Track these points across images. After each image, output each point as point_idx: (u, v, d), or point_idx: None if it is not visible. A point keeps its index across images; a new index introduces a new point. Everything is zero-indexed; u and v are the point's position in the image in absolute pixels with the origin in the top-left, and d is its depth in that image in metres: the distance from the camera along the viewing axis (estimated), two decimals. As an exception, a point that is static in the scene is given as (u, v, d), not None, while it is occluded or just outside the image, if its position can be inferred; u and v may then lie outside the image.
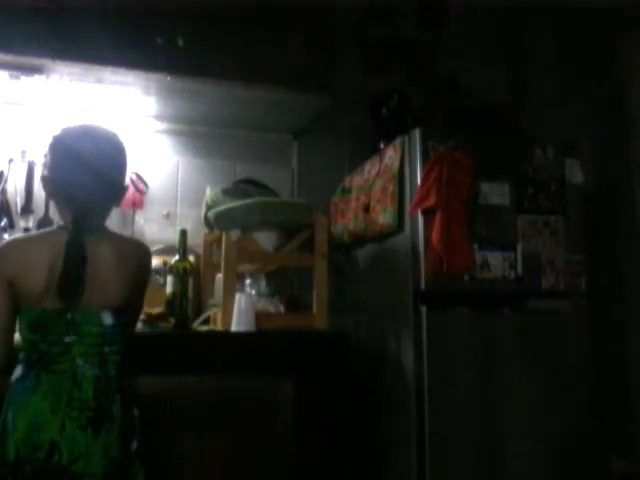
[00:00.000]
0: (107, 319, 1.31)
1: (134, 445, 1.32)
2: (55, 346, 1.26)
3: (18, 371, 1.27)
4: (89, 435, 1.23)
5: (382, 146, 2.22)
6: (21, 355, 1.28)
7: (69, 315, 1.27)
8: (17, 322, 1.31)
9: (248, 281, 2.15)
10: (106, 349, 1.31)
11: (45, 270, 1.25)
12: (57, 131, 1.39)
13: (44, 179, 1.37)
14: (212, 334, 1.89)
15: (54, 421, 1.21)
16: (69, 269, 1.24)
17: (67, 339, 1.27)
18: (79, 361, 1.27)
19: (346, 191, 2.30)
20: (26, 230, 2.19)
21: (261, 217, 1.99)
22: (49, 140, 1.37)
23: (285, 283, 2.35)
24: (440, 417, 1.77)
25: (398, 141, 1.98)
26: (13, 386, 1.26)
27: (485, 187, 1.91)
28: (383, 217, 1.97)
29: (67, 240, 1.26)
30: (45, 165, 1.37)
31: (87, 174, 1.32)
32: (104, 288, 1.32)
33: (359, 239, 2.17)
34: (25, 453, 1.19)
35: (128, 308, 1.39)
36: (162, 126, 2.49)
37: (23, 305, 1.27)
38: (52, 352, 1.26)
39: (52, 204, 2.13)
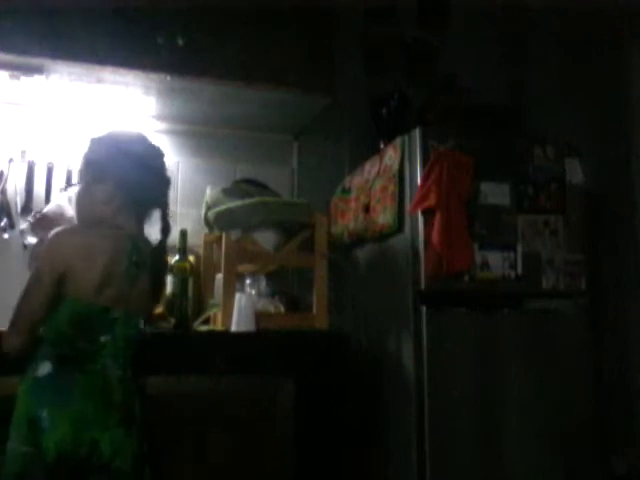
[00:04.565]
0: (141, 323, 1.38)
1: (145, 446, 1.35)
2: (91, 344, 1.27)
3: (46, 367, 1.24)
4: (122, 433, 1.26)
5: (382, 146, 2.22)
6: (48, 350, 1.26)
7: (114, 314, 1.29)
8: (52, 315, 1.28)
9: (248, 281, 2.15)
10: (129, 352, 1.34)
11: (102, 267, 1.25)
12: (110, 136, 1.42)
13: (104, 183, 1.35)
14: (212, 334, 1.89)
15: (95, 420, 1.23)
16: (159, 274, 1.34)
17: (103, 338, 1.28)
18: (108, 361, 1.29)
19: (346, 191, 2.30)
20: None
21: (261, 217, 1.99)
22: (97, 146, 1.39)
23: (285, 283, 2.35)
24: (440, 417, 1.77)
25: (398, 141, 1.98)
26: (41, 382, 1.24)
27: (485, 187, 1.91)
28: (383, 217, 1.97)
29: (156, 245, 1.36)
30: (101, 171, 1.36)
31: (151, 177, 1.39)
32: (146, 292, 1.37)
33: (359, 239, 2.17)
34: (68, 450, 1.20)
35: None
36: (162, 126, 2.49)
37: (69, 298, 1.25)
38: (87, 350, 1.27)
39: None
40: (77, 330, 1.26)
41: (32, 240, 1.49)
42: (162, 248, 1.40)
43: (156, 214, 1.44)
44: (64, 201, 1.73)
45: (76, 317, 1.25)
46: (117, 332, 1.30)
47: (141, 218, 1.39)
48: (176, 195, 2.49)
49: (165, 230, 1.40)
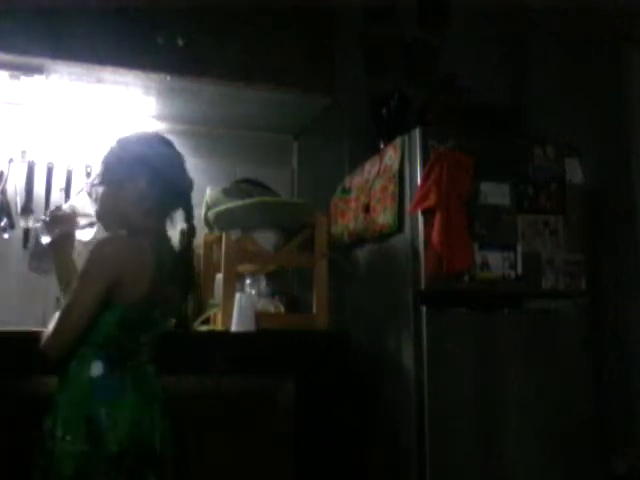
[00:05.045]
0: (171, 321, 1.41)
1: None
2: (133, 342, 1.31)
3: (98, 369, 1.26)
4: (168, 425, 1.32)
5: (382, 146, 2.22)
6: (96, 351, 1.27)
7: (156, 315, 1.34)
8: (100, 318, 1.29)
9: (248, 281, 2.15)
10: (153, 348, 1.38)
11: (150, 272, 1.28)
12: (139, 137, 1.44)
13: (135, 182, 1.35)
14: (212, 334, 1.89)
15: (147, 415, 1.29)
16: (190, 275, 1.40)
17: (143, 337, 1.33)
18: (144, 358, 1.34)
19: (346, 191, 2.30)
20: (26, 230, 2.19)
21: (261, 217, 1.99)
22: (127, 145, 1.39)
23: (285, 283, 2.35)
24: (440, 417, 1.77)
25: (398, 141, 1.98)
26: (96, 382, 1.26)
27: (485, 187, 1.91)
28: (383, 217, 1.97)
29: (182, 246, 1.39)
30: (133, 170, 1.36)
31: (179, 178, 1.40)
32: (177, 292, 1.43)
33: (359, 239, 2.17)
34: (128, 446, 1.23)
35: None
36: (162, 126, 2.48)
37: (118, 303, 1.26)
38: (131, 349, 1.31)
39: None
40: (124, 332, 1.29)
41: (46, 239, 1.49)
42: (190, 249, 1.42)
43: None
44: (76, 201, 1.71)
45: (125, 321, 1.28)
46: (156, 331, 1.37)
47: (165, 219, 1.40)
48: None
49: (191, 231, 1.41)
